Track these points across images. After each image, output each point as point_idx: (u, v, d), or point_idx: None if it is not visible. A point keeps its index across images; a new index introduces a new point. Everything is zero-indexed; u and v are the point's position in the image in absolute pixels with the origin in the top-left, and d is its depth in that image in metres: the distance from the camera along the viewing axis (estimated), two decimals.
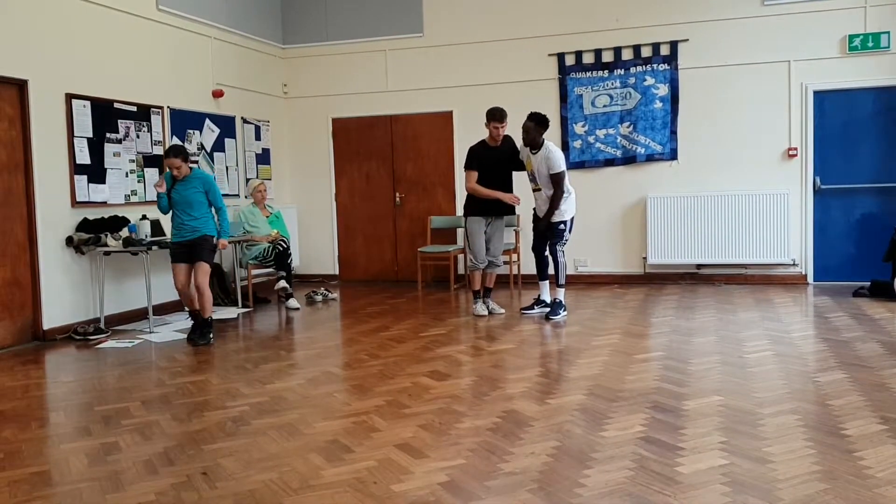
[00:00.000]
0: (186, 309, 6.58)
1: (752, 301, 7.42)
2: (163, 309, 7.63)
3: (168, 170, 6.23)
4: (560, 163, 6.68)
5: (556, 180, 6.67)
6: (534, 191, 6.97)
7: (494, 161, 6.91)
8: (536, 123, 6.71)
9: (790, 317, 6.60)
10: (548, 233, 6.88)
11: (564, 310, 6.88)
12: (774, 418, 3.79)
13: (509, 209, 7.03)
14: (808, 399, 4.12)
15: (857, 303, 7.20)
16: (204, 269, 6.26)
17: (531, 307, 7.16)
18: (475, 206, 6.93)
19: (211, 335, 6.29)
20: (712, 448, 3.39)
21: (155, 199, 7.59)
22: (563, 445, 3.49)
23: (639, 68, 8.76)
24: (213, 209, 6.38)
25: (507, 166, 7.00)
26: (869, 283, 7.65)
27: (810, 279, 8.46)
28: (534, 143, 6.77)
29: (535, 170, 6.81)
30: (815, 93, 8.30)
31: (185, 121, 8.12)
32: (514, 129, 7.08)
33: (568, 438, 3.59)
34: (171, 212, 6.35)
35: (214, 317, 7.44)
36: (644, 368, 4.89)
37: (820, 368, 4.78)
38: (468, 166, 6.92)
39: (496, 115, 6.81)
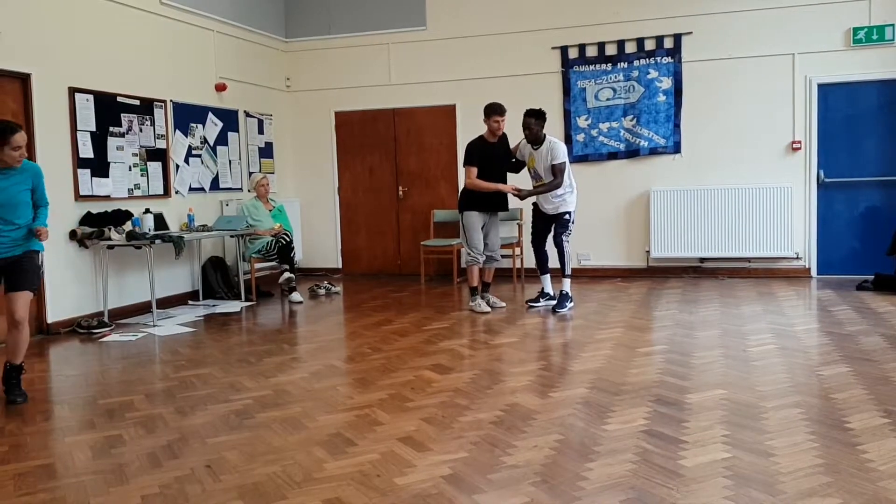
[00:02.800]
0: None
1: (755, 295, 7.41)
2: (166, 302, 7.65)
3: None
4: (562, 153, 6.70)
5: (557, 170, 6.68)
6: (536, 188, 6.96)
7: (493, 157, 6.90)
8: (537, 118, 6.73)
9: (793, 310, 6.59)
10: (554, 224, 6.89)
11: (571, 302, 6.88)
12: (777, 412, 3.78)
13: (504, 206, 7.02)
14: (812, 392, 4.11)
15: (861, 296, 7.19)
16: (26, 301, 4.44)
17: (536, 300, 7.15)
18: (473, 201, 6.92)
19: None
20: (715, 441, 3.39)
21: (159, 192, 7.63)
22: (565, 439, 3.49)
23: (642, 61, 8.73)
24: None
25: (505, 162, 7.01)
26: (872, 277, 7.63)
27: (814, 273, 8.44)
28: (536, 137, 6.78)
29: (539, 164, 6.82)
30: (819, 86, 8.27)
31: (187, 114, 8.12)
32: (511, 125, 7.07)
33: (570, 432, 3.59)
34: None
35: (217, 310, 7.48)
36: (647, 362, 4.89)
37: (823, 362, 4.78)
38: (468, 162, 6.91)
39: (497, 109, 6.81)
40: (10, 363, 4.52)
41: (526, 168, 7.05)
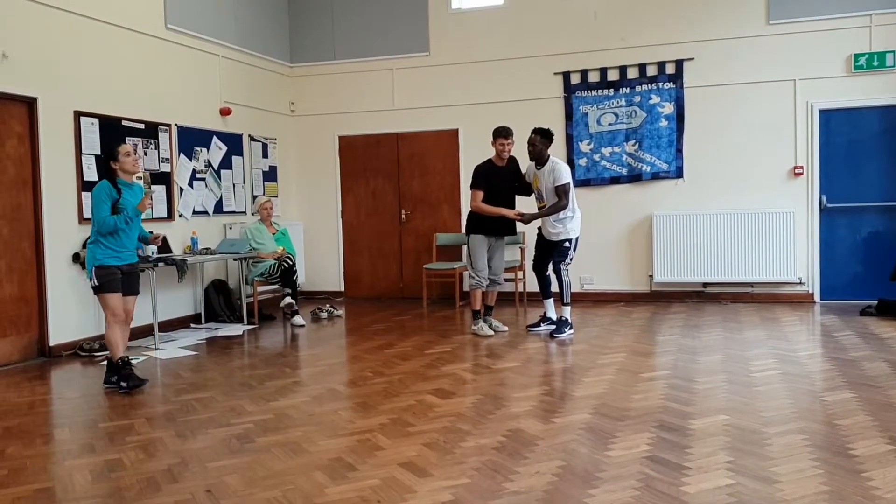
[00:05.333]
0: None
1: (758, 320, 7.39)
2: (168, 325, 7.64)
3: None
4: (565, 174, 6.70)
5: (561, 191, 6.68)
6: (539, 209, 6.96)
7: (500, 181, 6.92)
8: (542, 136, 6.76)
9: (797, 335, 6.57)
10: (553, 251, 6.88)
11: (570, 328, 6.86)
12: (781, 438, 3.76)
13: (512, 230, 7.04)
14: (816, 418, 4.09)
15: (865, 321, 7.16)
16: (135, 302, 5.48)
17: (537, 324, 7.14)
18: (479, 224, 6.93)
19: None
20: (718, 468, 3.36)
21: (163, 215, 7.65)
22: (568, 465, 3.47)
23: (644, 87, 8.79)
24: None
25: (512, 186, 7.02)
26: (876, 302, 7.61)
27: (817, 298, 8.43)
28: (540, 157, 6.80)
29: (542, 185, 6.83)
30: (821, 111, 8.30)
31: (192, 138, 8.17)
32: (519, 148, 7.11)
33: (573, 458, 3.56)
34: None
35: (220, 334, 7.48)
36: (650, 387, 4.87)
37: (827, 388, 4.75)
38: (475, 185, 6.92)
39: (502, 132, 6.85)
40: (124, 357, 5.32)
41: (531, 191, 7.06)
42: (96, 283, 5.20)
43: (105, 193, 5.17)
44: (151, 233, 5.62)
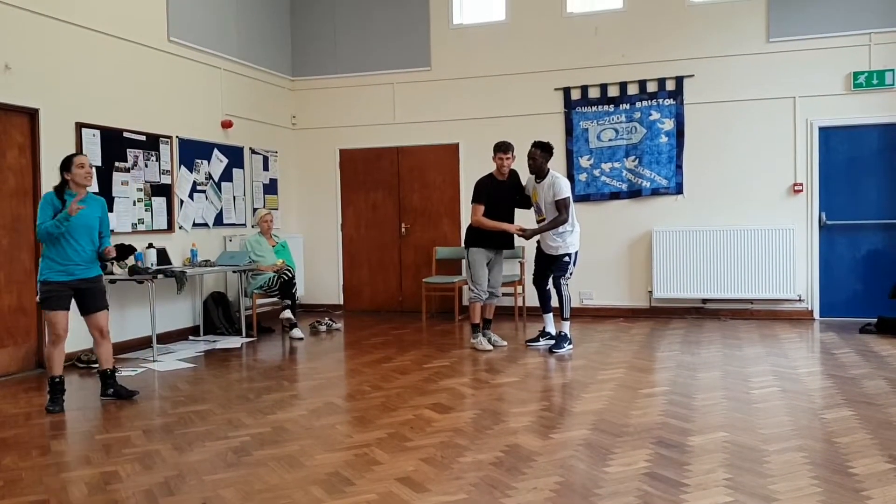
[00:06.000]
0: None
1: (757, 336, 7.38)
2: (167, 337, 7.63)
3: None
4: (565, 188, 6.70)
5: (561, 205, 6.68)
6: (538, 223, 6.97)
7: (501, 195, 6.93)
8: (542, 150, 6.77)
9: (796, 353, 6.56)
10: (552, 266, 6.88)
11: (569, 343, 6.84)
12: (780, 455, 3.75)
13: (511, 244, 7.04)
14: (815, 436, 4.07)
15: (864, 339, 7.15)
16: (107, 317, 5.36)
17: (536, 339, 7.13)
18: (479, 238, 6.94)
19: None
20: (717, 485, 3.35)
21: (163, 227, 7.66)
22: (566, 481, 3.45)
23: (644, 103, 8.82)
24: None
25: (513, 200, 7.02)
26: (876, 320, 7.60)
27: (816, 315, 8.42)
28: (540, 170, 6.81)
29: (541, 199, 6.83)
30: (821, 129, 8.33)
31: (193, 150, 8.18)
32: (519, 162, 7.12)
33: (571, 474, 3.55)
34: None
35: (218, 346, 7.46)
36: (649, 403, 4.86)
37: (826, 405, 4.74)
38: (476, 200, 6.93)
39: (500, 147, 6.88)
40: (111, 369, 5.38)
41: (531, 204, 7.07)
42: (38, 299, 5.02)
43: (47, 203, 4.99)
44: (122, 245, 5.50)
